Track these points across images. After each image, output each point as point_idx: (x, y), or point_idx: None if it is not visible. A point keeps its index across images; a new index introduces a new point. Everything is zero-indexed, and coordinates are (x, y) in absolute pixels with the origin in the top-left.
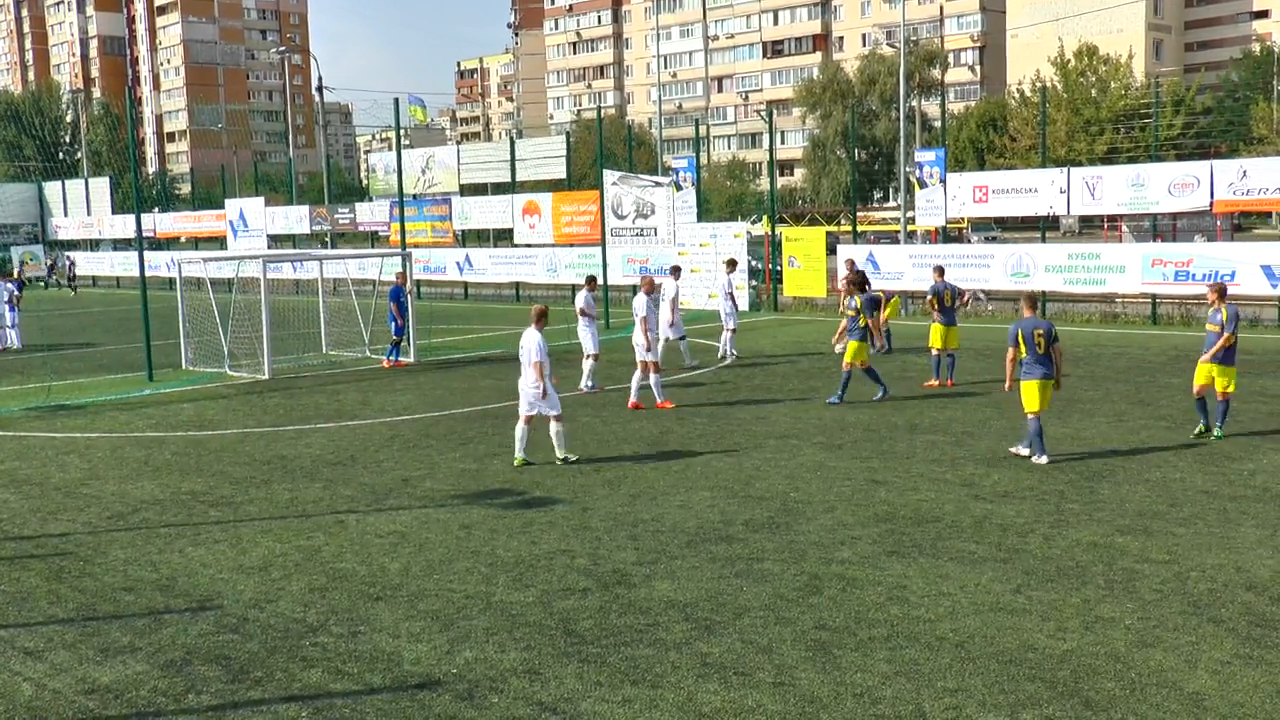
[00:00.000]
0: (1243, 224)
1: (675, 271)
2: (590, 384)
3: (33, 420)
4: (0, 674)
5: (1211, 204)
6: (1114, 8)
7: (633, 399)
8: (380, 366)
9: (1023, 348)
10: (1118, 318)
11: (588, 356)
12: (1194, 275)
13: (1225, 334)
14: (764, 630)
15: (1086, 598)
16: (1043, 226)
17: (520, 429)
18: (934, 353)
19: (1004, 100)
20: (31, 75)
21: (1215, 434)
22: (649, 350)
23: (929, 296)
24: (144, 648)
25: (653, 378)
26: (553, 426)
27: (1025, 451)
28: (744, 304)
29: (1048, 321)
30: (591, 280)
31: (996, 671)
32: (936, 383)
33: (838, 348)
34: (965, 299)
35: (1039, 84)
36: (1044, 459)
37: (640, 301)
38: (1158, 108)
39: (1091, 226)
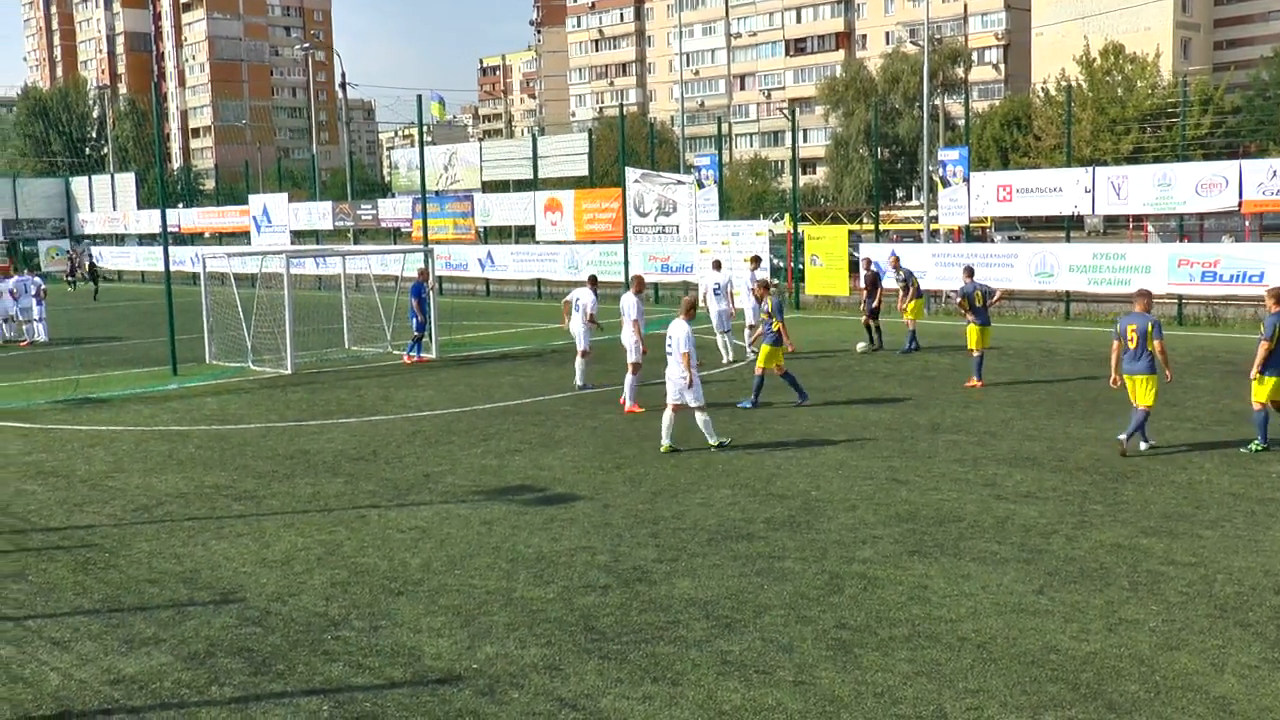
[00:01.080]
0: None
1: (716, 265)
2: (581, 383)
3: (59, 413)
4: (28, 664)
5: (1240, 204)
6: (1141, 5)
7: (628, 403)
8: (402, 363)
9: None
10: None
11: (580, 354)
12: (1221, 276)
13: (1263, 341)
14: (784, 629)
15: (1110, 599)
16: (1067, 226)
17: (667, 417)
18: (974, 354)
19: (1028, 99)
20: (59, 71)
21: (1252, 447)
22: (642, 351)
23: (959, 299)
24: (168, 639)
25: (630, 379)
26: (698, 417)
27: (1143, 446)
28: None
29: (1147, 316)
30: (593, 280)
31: (1019, 673)
32: (981, 383)
33: (750, 351)
34: (997, 298)
35: (1064, 83)
36: (1142, 444)
37: (629, 301)
38: (1185, 107)
39: (1116, 226)
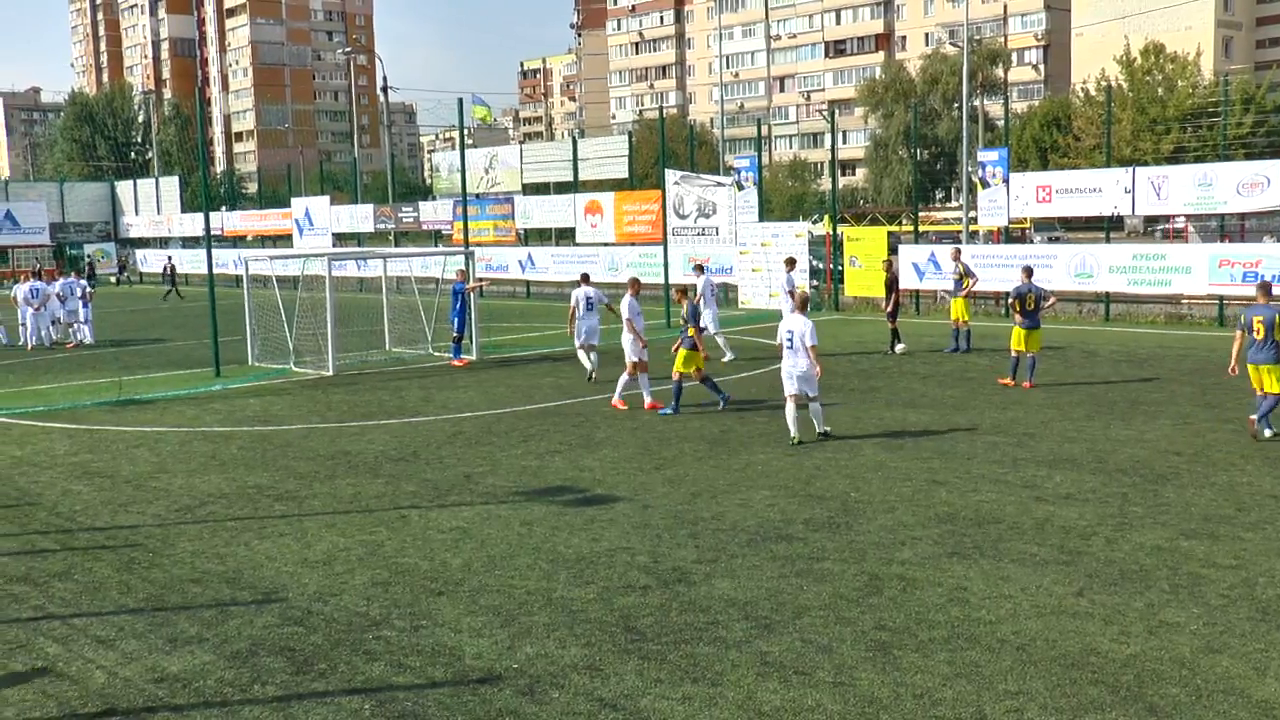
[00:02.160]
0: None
1: (699, 269)
2: (592, 371)
3: (104, 414)
4: (74, 661)
5: None
6: (1182, 4)
7: (616, 399)
8: (451, 365)
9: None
10: (1183, 319)
11: (583, 347)
12: (1262, 276)
13: None
14: (824, 630)
15: (1150, 602)
16: (1107, 227)
17: (791, 410)
18: (1013, 354)
19: (1068, 99)
20: (105, 77)
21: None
22: (643, 350)
23: (1012, 299)
24: (211, 638)
25: (643, 378)
26: (813, 406)
27: (1268, 433)
28: None
29: (1273, 309)
30: (585, 277)
31: (1058, 675)
32: (1011, 382)
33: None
34: (1051, 303)
35: (1104, 83)
36: (1266, 432)
37: (626, 302)
38: (1226, 106)
39: (1157, 227)
